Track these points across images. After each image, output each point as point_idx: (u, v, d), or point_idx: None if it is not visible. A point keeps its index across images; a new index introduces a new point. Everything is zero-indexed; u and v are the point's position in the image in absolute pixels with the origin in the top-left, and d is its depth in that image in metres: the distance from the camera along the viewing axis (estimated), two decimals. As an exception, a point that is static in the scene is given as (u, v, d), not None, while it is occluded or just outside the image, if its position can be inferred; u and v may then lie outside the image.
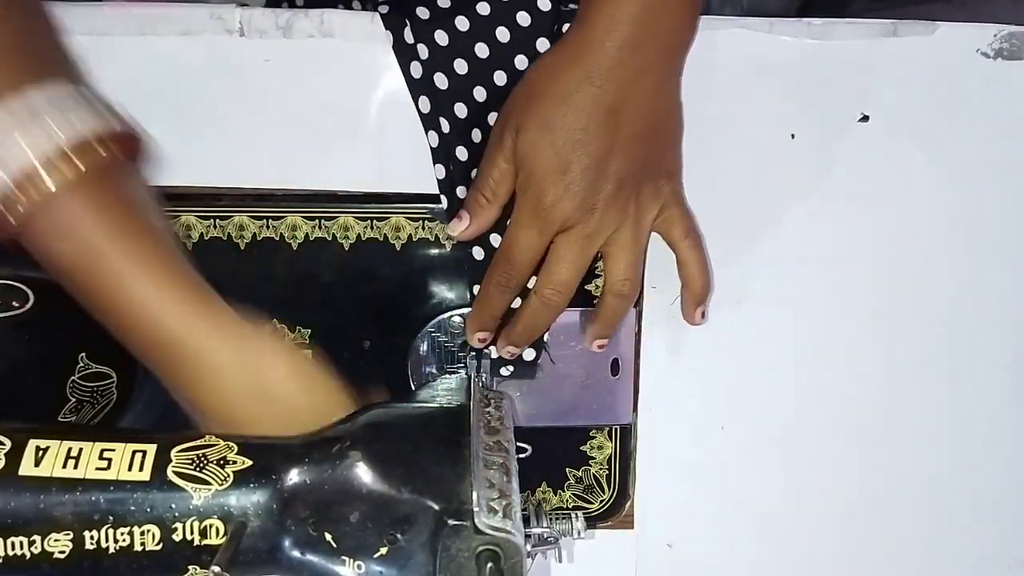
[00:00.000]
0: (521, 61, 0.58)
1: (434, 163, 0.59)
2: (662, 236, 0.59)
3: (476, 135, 0.59)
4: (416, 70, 0.58)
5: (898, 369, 0.65)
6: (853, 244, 0.63)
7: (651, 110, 0.55)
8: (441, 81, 0.58)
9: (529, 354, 0.62)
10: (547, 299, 0.57)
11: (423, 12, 0.58)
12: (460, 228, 0.58)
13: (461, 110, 0.58)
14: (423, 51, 0.58)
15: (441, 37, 0.57)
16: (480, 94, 0.59)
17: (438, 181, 0.59)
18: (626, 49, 0.53)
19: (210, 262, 0.59)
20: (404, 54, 0.58)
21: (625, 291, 0.58)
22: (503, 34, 0.58)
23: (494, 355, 0.61)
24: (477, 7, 0.57)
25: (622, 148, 0.54)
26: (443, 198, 0.59)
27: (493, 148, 0.56)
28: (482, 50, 0.58)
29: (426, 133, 0.59)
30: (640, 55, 0.53)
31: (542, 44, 0.58)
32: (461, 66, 0.58)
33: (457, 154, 0.59)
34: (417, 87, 0.58)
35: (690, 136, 0.59)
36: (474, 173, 0.59)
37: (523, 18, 0.58)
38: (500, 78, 0.58)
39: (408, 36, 0.57)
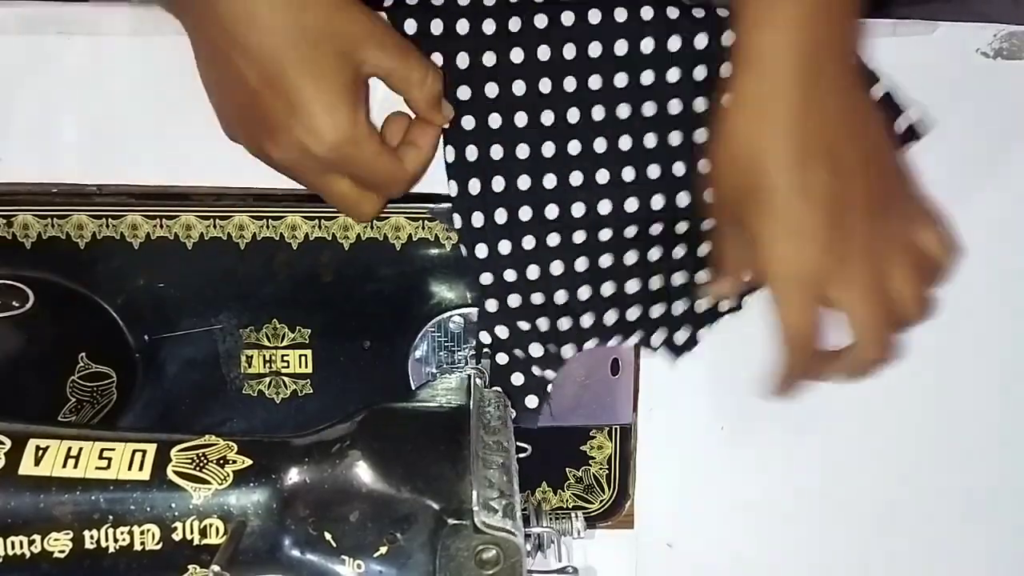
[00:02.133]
0: (517, 54, 0.58)
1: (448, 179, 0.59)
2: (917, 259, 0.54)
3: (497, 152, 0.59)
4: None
5: (898, 368, 0.65)
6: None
7: (860, 128, 0.51)
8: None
9: (532, 401, 0.62)
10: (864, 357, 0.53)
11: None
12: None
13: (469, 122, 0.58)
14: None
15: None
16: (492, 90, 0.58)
17: (452, 198, 0.59)
18: (806, 70, 0.49)
19: (210, 262, 0.59)
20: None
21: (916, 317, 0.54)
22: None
23: (501, 362, 0.61)
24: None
25: (851, 183, 0.50)
26: (457, 217, 0.59)
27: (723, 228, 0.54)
28: (490, 58, 0.58)
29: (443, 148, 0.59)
30: (823, 71, 0.49)
31: (543, 51, 0.58)
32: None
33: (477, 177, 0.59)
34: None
35: (690, 136, 0.59)
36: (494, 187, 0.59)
37: (540, 20, 0.57)
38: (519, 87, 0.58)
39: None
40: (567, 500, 0.65)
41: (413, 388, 0.62)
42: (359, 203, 0.55)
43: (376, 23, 0.52)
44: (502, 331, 0.61)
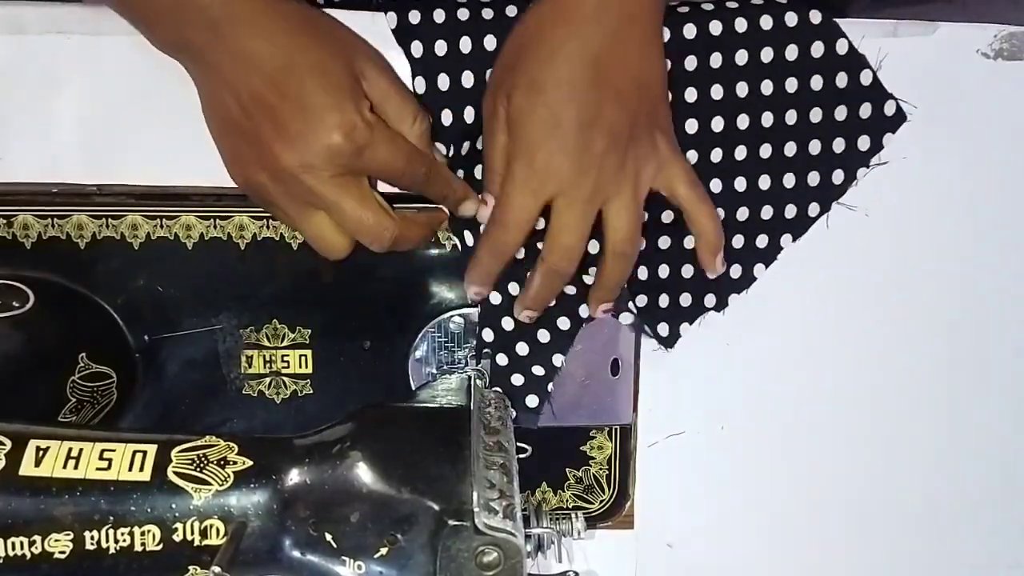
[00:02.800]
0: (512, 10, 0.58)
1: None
2: (664, 192, 0.57)
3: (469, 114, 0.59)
4: (417, 49, 0.58)
5: (898, 369, 0.65)
6: (854, 244, 0.63)
7: (639, 62, 0.54)
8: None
9: (532, 401, 0.62)
10: (555, 266, 0.56)
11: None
12: (487, 212, 0.56)
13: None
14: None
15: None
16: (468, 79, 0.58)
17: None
18: (620, 23, 0.52)
19: (210, 262, 0.59)
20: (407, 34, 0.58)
21: (627, 251, 0.56)
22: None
23: (501, 363, 0.61)
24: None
25: (613, 102, 0.53)
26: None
27: (489, 121, 0.56)
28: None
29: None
30: (623, 5, 0.52)
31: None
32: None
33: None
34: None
35: (690, 136, 0.59)
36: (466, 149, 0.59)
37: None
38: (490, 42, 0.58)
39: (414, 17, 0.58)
40: (567, 500, 0.65)
41: (413, 388, 0.62)
42: (334, 239, 0.55)
43: (376, 51, 0.55)
44: (507, 323, 0.61)
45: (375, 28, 0.58)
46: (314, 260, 0.60)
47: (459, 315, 0.62)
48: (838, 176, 0.62)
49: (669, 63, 0.58)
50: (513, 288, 0.60)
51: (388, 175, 0.54)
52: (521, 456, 0.59)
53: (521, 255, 0.59)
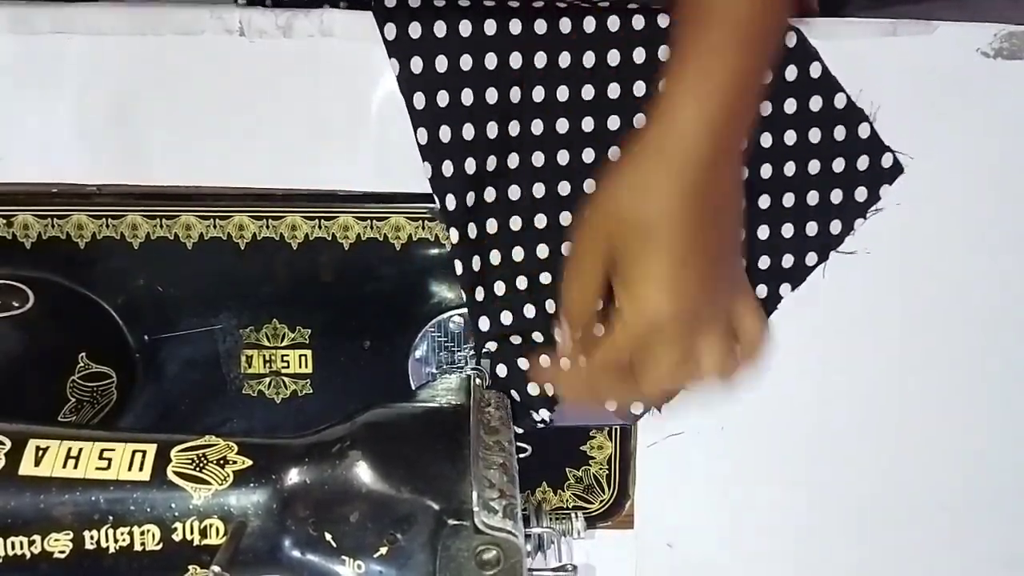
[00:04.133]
0: (516, 59, 0.58)
1: (423, 160, 0.58)
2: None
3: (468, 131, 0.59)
4: (417, 66, 0.58)
5: (897, 368, 0.65)
6: (854, 244, 0.63)
7: (733, 191, 0.53)
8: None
9: (542, 415, 0.61)
10: (647, 394, 0.53)
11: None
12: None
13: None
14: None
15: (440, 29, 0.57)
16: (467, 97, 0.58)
17: (428, 179, 0.59)
18: (717, 152, 0.49)
19: (210, 262, 0.59)
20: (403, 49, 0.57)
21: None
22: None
23: (502, 372, 0.61)
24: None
25: (712, 238, 0.51)
26: (435, 197, 0.59)
27: (581, 257, 0.53)
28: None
29: (415, 131, 0.58)
30: (718, 139, 0.50)
31: (541, 58, 0.58)
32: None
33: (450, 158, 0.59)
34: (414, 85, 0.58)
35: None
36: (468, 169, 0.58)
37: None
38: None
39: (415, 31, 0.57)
40: (567, 500, 0.65)
41: (413, 388, 0.62)
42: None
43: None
44: (505, 316, 0.61)
45: (373, 28, 0.58)
46: (314, 260, 0.60)
47: (459, 315, 0.62)
48: (836, 226, 0.62)
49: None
50: (499, 287, 0.60)
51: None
52: (521, 456, 0.59)
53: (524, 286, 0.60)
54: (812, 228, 0.62)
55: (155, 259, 0.59)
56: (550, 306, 0.61)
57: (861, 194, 0.62)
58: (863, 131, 0.61)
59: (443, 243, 0.61)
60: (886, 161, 0.62)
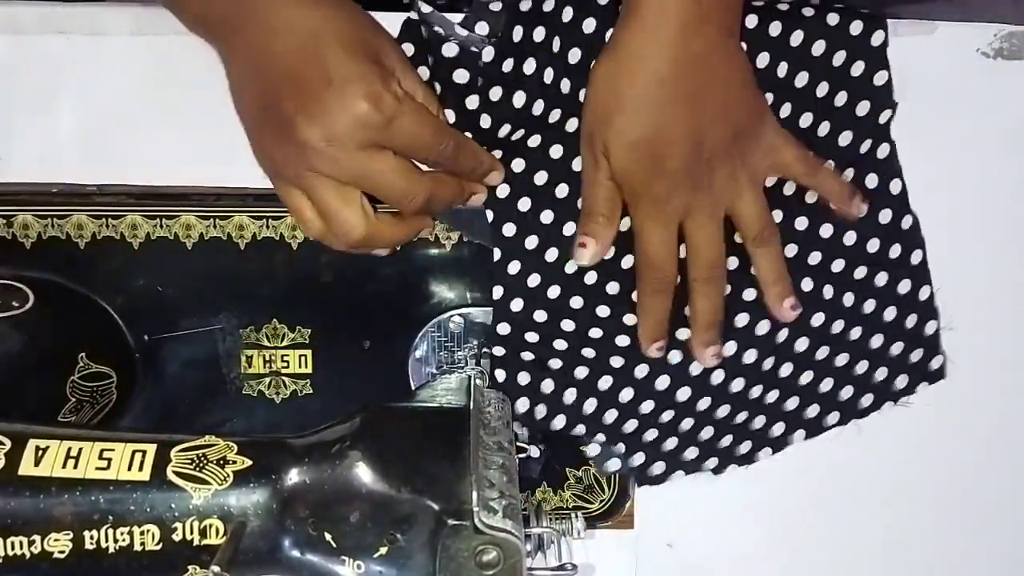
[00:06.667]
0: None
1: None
2: (779, 175, 0.59)
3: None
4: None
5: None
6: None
7: (726, 82, 0.55)
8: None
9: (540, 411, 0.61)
10: (708, 281, 0.57)
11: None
12: (588, 255, 0.57)
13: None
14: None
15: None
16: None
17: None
18: (686, 34, 0.52)
19: (210, 262, 0.59)
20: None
21: (766, 237, 0.58)
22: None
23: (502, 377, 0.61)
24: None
25: (711, 126, 0.54)
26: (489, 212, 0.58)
27: (590, 171, 0.57)
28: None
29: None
30: (700, 36, 0.52)
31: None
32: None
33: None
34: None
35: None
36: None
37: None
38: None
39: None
40: (567, 500, 0.65)
41: (413, 388, 0.62)
42: (341, 211, 0.53)
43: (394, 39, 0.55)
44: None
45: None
46: (314, 260, 0.60)
47: (459, 315, 0.62)
48: (866, 400, 0.63)
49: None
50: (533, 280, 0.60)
51: (415, 149, 0.53)
52: (521, 456, 0.59)
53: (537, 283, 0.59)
54: (847, 392, 0.63)
55: (155, 259, 0.59)
56: (588, 353, 0.60)
57: (901, 382, 0.63)
58: (930, 328, 0.63)
59: (443, 243, 0.61)
60: (935, 363, 0.63)
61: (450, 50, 0.55)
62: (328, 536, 0.44)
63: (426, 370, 0.62)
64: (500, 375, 0.59)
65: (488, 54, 0.56)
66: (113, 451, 0.44)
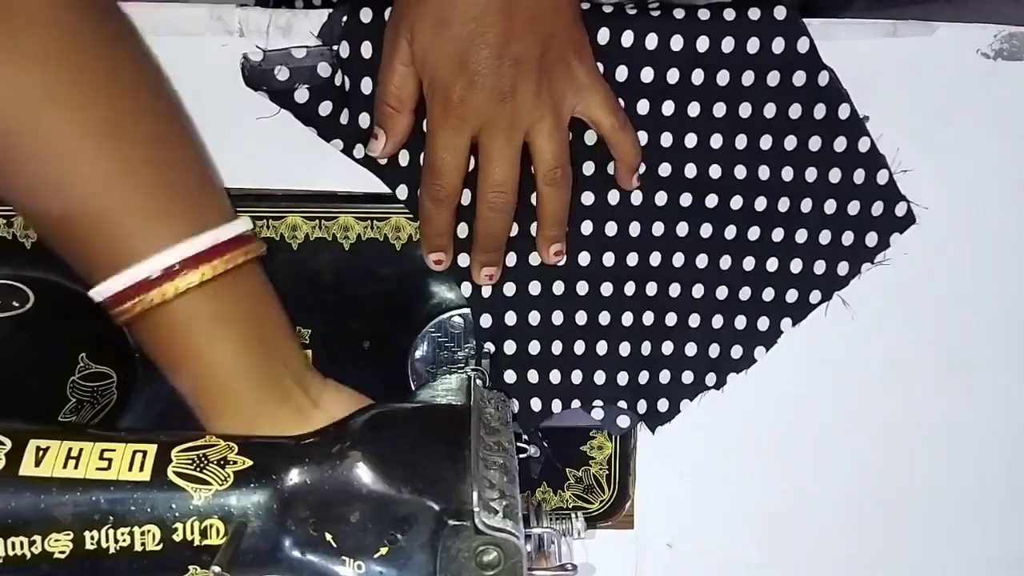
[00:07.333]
0: None
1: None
2: (585, 119, 0.57)
3: None
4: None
5: (898, 368, 0.65)
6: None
7: None
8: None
9: (536, 405, 0.62)
10: (493, 203, 0.56)
11: None
12: (379, 146, 0.57)
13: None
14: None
15: None
16: None
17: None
18: None
19: (210, 262, 0.59)
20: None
21: (558, 178, 0.56)
22: None
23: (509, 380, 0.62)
24: None
25: (521, 32, 0.52)
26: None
27: (389, 53, 0.55)
28: None
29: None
30: None
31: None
32: None
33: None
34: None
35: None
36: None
37: None
38: None
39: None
40: (567, 500, 0.65)
41: (413, 388, 0.62)
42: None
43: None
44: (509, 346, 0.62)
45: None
46: (314, 260, 0.60)
47: (459, 315, 0.62)
48: (843, 268, 0.63)
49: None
50: (509, 346, 0.61)
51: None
52: (521, 456, 0.59)
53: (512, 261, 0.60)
54: (820, 267, 0.63)
55: (155, 259, 0.59)
56: (557, 317, 0.61)
57: (872, 239, 0.63)
58: (881, 177, 0.61)
59: (443, 243, 0.61)
60: (900, 210, 0.62)
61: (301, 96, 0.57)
62: (328, 536, 0.44)
63: (426, 370, 0.62)
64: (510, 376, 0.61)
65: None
66: (114, 451, 0.44)
